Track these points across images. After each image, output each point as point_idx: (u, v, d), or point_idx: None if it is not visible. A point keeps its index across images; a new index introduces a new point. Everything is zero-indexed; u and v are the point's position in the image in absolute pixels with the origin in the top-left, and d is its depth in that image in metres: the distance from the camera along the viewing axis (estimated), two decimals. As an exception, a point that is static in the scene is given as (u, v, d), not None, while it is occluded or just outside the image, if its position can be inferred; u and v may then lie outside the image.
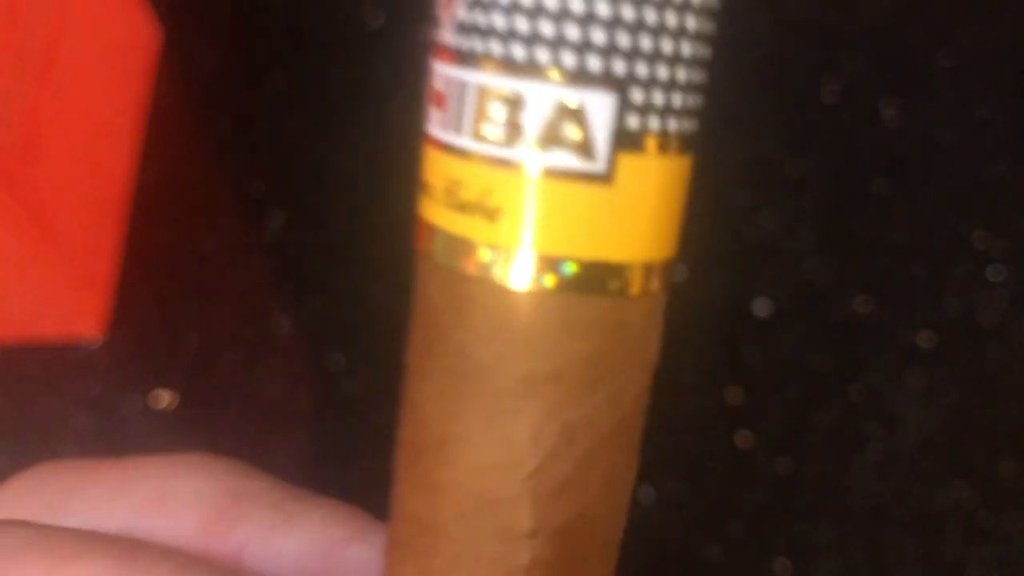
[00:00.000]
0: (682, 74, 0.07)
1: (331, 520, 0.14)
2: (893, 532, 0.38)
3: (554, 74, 0.07)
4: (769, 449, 0.39)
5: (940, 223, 0.43)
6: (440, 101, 0.08)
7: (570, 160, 0.07)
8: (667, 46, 0.07)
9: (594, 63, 0.07)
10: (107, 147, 0.44)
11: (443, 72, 0.08)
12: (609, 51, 0.07)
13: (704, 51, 0.07)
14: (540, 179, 0.07)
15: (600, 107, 0.07)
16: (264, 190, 0.45)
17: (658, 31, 0.07)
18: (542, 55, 0.07)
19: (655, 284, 0.08)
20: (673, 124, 0.07)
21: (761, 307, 0.42)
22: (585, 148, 0.07)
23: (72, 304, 0.40)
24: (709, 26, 0.07)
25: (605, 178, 0.07)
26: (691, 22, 0.07)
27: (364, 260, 0.43)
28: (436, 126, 0.08)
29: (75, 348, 0.42)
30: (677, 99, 0.07)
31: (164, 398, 0.41)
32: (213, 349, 0.42)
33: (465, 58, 0.07)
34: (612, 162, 0.07)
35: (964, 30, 0.47)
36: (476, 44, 0.07)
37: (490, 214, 0.07)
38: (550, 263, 0.07)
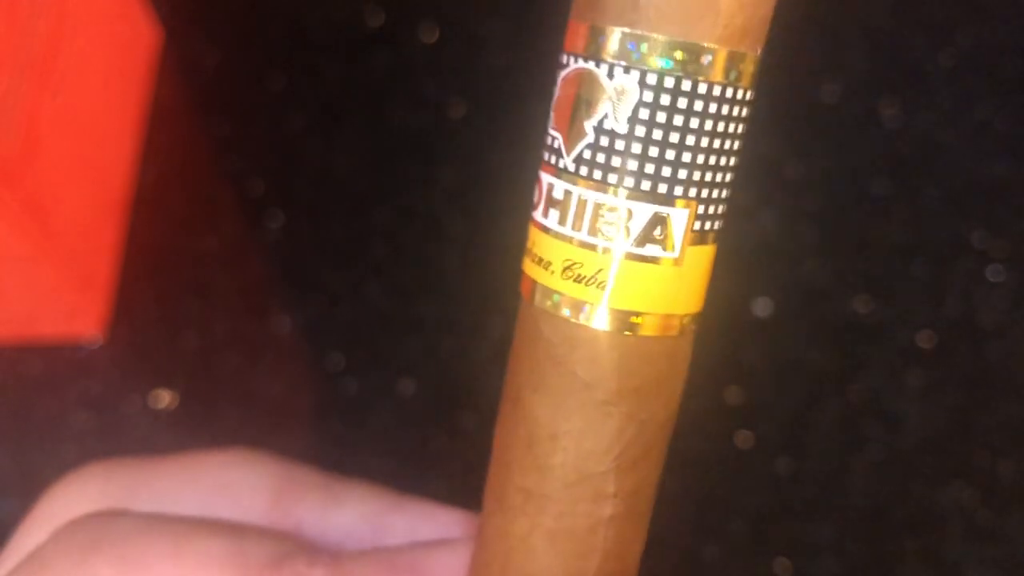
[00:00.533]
0: (725, 194, 0.11)
1: (372, 495, 0.17)
2: (893, 532, 0.38)
3: (653, 197, 0.10)
4: (769, 449, 0.39)
5: (940, 223, 0.43)
6: (557, 206, 0.10)
7: (657, 251, 0.10)
8: (721, 184, 0.11)
9: (679, 190, 0.10)
10: (107, 147, 0.44)
11: (564, 187, 0.10)
12: (689, 184, 0.10)
13: (734, 178, 0.11)
14: (634, 262, 0.10)
15: (680, 217, 0.10)
16: (264, 190, 0.45)
17: (718, 173, 0.11)
18: (646, 184, 0.10)
19: (692, 328, 0.12)
20: (717, 224, 0.11)
21: (761, 307, 0.42)
22: (668, 243, 0.10)
23: (72, 304, 0.40)
24: (737, 165, 0.11)
25: (677, 261, 0.11)
26: (732, 173, 0.11)
27: (364, 260, 0.43)
28: (554, 221, 0.11)
29: (75, 348, 0.42)
30: (721, 209, 0.11)
31: (164, 398, 0.41)
32: (213, 349, 0.42)
33: (587, 181, 0.10)
34: (683, 251, 0.11)
35: (964, 30, 0.47)
36: (597, 173, 0.10)
37: (600, 284, 0.10)
38: (629, 317, 0.11)
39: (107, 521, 0.15)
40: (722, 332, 0.42)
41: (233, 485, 0.17)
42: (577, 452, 0.11)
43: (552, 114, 0.11)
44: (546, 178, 0.11)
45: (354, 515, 0.17)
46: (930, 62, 0.47)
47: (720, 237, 0.11)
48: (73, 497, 0.17)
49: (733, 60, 0.10)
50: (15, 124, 0.36)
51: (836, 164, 0.45)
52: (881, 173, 0.44)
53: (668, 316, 0.11)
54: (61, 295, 0.39)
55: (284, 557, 0.14)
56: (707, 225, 0.11)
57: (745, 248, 0.43)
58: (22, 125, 0.36)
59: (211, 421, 0.41)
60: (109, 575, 0.14)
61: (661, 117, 0.10)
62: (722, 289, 0.42)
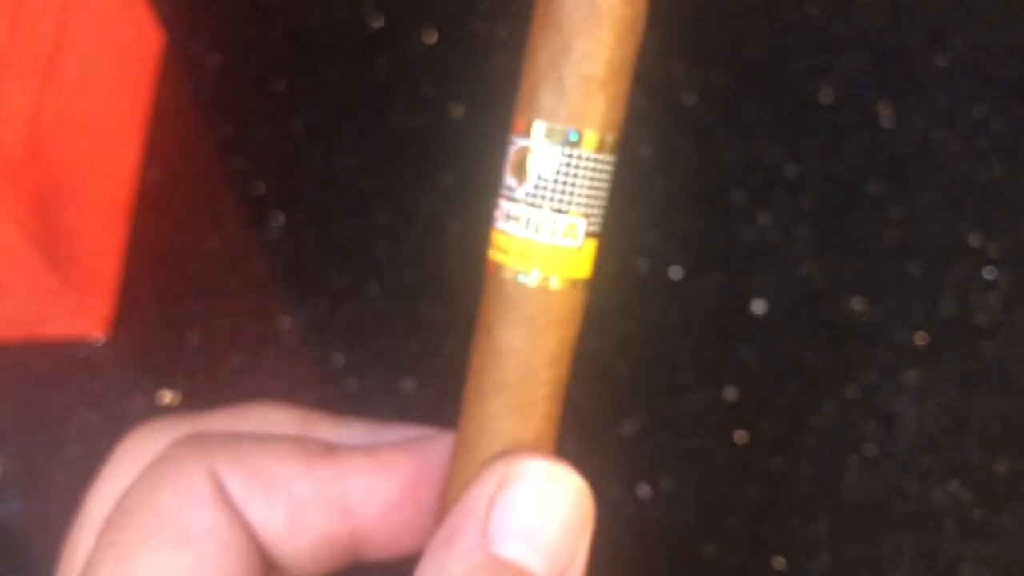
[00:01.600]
0: (602, 210, 0.19)
1: (367, 422, 0.23)
2: (889, 529, 0.38)
3: (572, 213, 0.18)
4: (766, 447, 0.40)
5: (936, 224, 0.44)
6: (512, 220, 0.19)
7: (570, 242, 0.18)
8: (600, 204, 0.19)
9: (580, 209, 0.18)
10: (110, 148, 0.44)
11: (517, 209, 0.19)
12: (586, 205, 0.18)
13: (607, 198, 0.19)
14: (556, 248, 0.18)
15: (581, 223, 0.18)
16: (265, 190, 0.45)
17: (599, 199, 0.19)
18: (563, 206, 0.18)
19: (585, 286, 0.19)
20: (598, 227, 0.19)
21: (758, 307, 0.42)
22: (575, 237, 0.18)
23: (76, 303, 0.41)
24: (608, 194, 0.19)
25: (580, 249, 0.19)
26: (605, 199, 0.19)
27: (365, 260, 0.44)
28: (511, 228, 0.19)
29: (79, 347, 0.42)
30: (601, 219, 0.19)
31: (167, 397, 0.41)
32: (215, 348, 0.42)
33: (531, 206, 0.18)
34: (583, 243, 0.18)
35: (959, 31, 0.47)
36: (536, 200, 0.18)
37: (538, 261, 0.19)
38: (551, 279, 0.19)
39: (200, 437, 0.20)
40: (720, 332, 0.42)
41: (269, 419, 0.22)
42: (527, 357, 0.19)
43: (508, 167, 0.19)
44: (505, 204, 0.19)
45: (359, 434, 0.22)
46: (926, 63, 0.47)
47: (600, 234, 0.19)
48: (153, 436, 0.21)
49: (603, 140, 0.18)
50: (19, 125, 0.36)
51: (833, 165, 0.45)
52: (877, 174, 0.45)
53: (574, 280, 0.19)
54: (65, 295, 0.40)
55: (331, 448, 0.20)
56: (593, 228, 0.18)
57: (742, 249, 0.43)
58: (26, 126, 0.37)
59: (213, 420, 0.41)
60: (224, 463, 0.19)
61: (571, 171, 0.18)
62: (719, 289, 0.43)
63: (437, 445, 0.21)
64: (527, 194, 0.18)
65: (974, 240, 0.43)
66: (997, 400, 0.40)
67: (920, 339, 0.41)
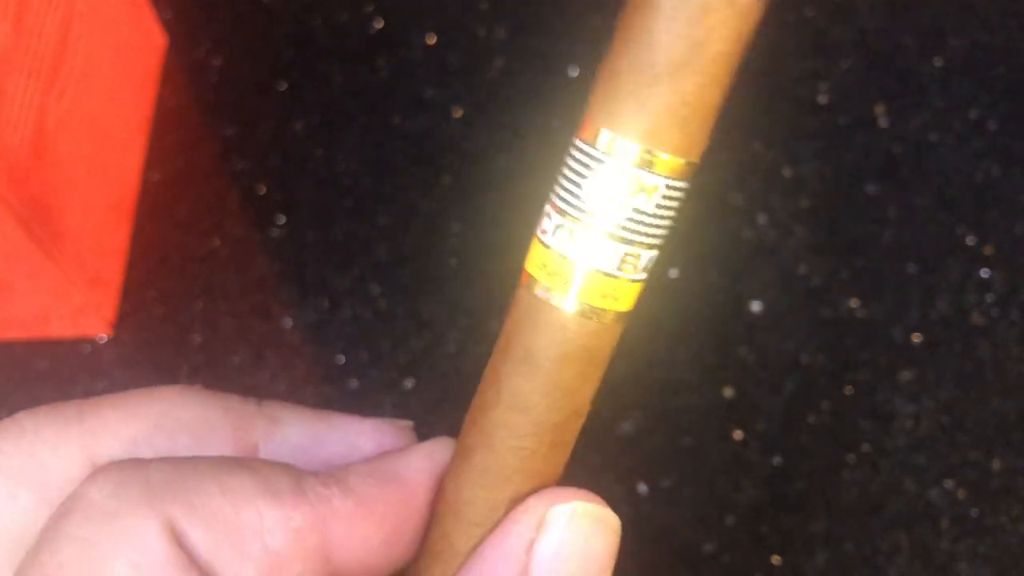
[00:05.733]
0: (663, 242, 0.16)
1: (300, 414, 0.19)
2: (885, 527, 0.38)
3: (639, 244, 0.16)
4: (763, 446, 0.40)
5: (932, 224, 0.44)
6: (564, 236, 0.16)
7: (628, 274, 0.16)
8: (664, 237, 0.16)
9: (644, 239, 0.16)
10: (114, 149, 0.44)
11: (571, 226, 0.16)
12: (650, 236, 0.16)
13: (670, 233, 0.16)
14: (611, 279, 0.16)
15: (645, 256, 0.16)
16: (267, 191, 0.45)
17: (663, 230, 0.16)
18: (626, 234, 0.16)
19: (625, 320, 0.16)
20: (654, 261, 0.16)
21: (756, 306, 0.42)
22: (635, 270, 0.16)
23: (80, 303, 0.41)
24: (673, 225, 0.16)
25: (635, 283, 0.16)
26: (670, 230, 0.16)
27: (365, 260, 0.44)
28: (559, 243, 0.16)
29: (82, 346, 0.42)
30: (659, 253, 0.16)
31: (169, 396, 0.41)
32: (217, 347, 0.42)
33: (591, 228, 0.16)
34: (640, 277, 0.16)
35: (955, 34, 0.47)
36: (593, 222, 0.16)
37: (592, 290, 0.16)
38: (597, 310, 0.16)
39: (142, 466, 0.16)
40: (717, 331, 0.42)
41: (192, 424, 0.18)
42: (555, 385, 0.17)
43: (566, 173, 0.16)
44: (556, 216, 0.16)
45: (294, 435, 0.18)
46: (922, 65, 0.47)
47: (653, 269, 0.16)
48: (42, 448, 0.16)
49: (683, 164, 0.15)
50: (24, 127, 0.36)
51: (829, 165, 0.45)
52: (874, 175, 0.45)
53: (618, 312, 0.16)
54: (69, 294, 0.40)
55: (300, 482, 0.17)
56: (653, 263, 0.16)
57: (740, 249, 0.43)
58: (30, 128, 0.37)
59: (215, 418, 0.41)
60: (181, 514, 0.15)
61: (642, 196, 0.15)
62: (718, 289, 0.43)
63: (417, 467, 0.18)
64: (585, 212, 0.15)
65: (970, 240, 0.43)
66: (992, 399, 0.40)
67: (916, 338, 0.41)
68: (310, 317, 0.43)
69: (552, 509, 0.17)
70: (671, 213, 0.16)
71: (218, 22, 0.49)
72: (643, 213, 0.15)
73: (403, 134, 0.46)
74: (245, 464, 0.17)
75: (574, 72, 0.46)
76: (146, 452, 0.17)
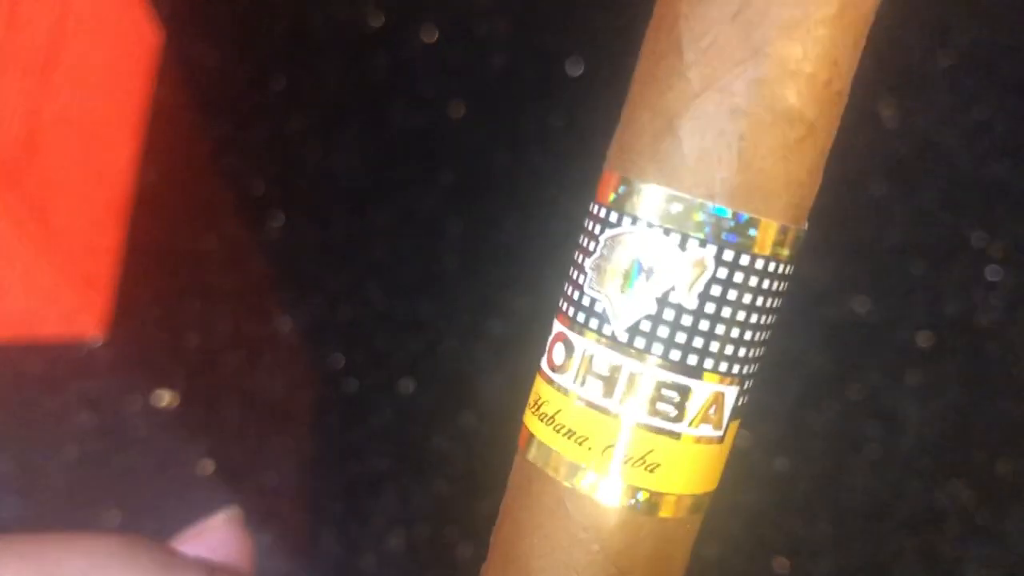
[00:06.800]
0: (756, 371, 0.10)
1: None
2: (891, 531, 0.38)
3: (710, 376, 0.09)
4: (768, 448, 0.40)
5: (938, 223, 0.43)
6: (602, 378, 0.09)
7: (710, 431, 0.10)
8: (758, 359, 0.10)
9: (736, 368, 0.10)
10: (108, 147, 0.44)
11: (612, 358, 0.09)
12: (744, 361, 0.10)
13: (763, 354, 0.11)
14: (693, 444, 0.10)
15: (731, 394, 0.10)
16: (264, 190, 0.45)
17: (759, 349, 0.10)
18: (708, 363, 0.09)
19: (707, 504, 0.11)
20: (748, 396, 0.10)
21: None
22: (719, 423, 0.10)
23: (73, 303, 0.40)
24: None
25: (722, 439, 0.10)
26: (764, 349, 0.10)
27: (364, 260, 0.43)
28: (597, 394, 0.09)
29: (76, 347, 0.42)
30: (751, 384, 0.11)
31: (165, 397, 0.41)
32: (213, 348, 0.42)
33: (635, 353, 0.09)
34: (726, 430, 0.10)
35: (962, 31, 0.47)
36: (656, 347, 0.09)
37: (650, 467, 0.10)
38: (655, 496, 0.10)
39: None
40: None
41: None
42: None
43: (588, 271, 0.09)
44: (578, 341, 0.09)
45: None
46: (928, 62, 0.47)
47: (744, 413, 0.10)
48: None
49: (788, 234, 0.10)
50: (17, 124, 0.36)
51: (835, 164, 0.45)
52: (880, 173, 0.45)
53: (695, 495, 0.10)
54: (62, 295, 0.40)
55: None
56: (744, 399, 0.10)
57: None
58: (23, 125, 0.36)
59: (211, 421, 0.41)
60: None
61: (730, 294, 0.09)
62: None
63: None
64: (630, 330, 0.09)
65: (976, 240, 0.43)
66: (999, 401, 0.40)
67: (922, 339, 0.41)
68: (308, 317, 0.42)
69: None
70: (771, 317, 0.10)
71: (214, 19, 0.49)
72: (726, 322, 0.10)
73: (402, 133, 0.46)
74: None
75: (577, 71, 0.46)
76: None
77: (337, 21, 0.49)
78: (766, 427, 0.40)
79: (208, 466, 0.40)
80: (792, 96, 0.10)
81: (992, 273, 0.42)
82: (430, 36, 0.48)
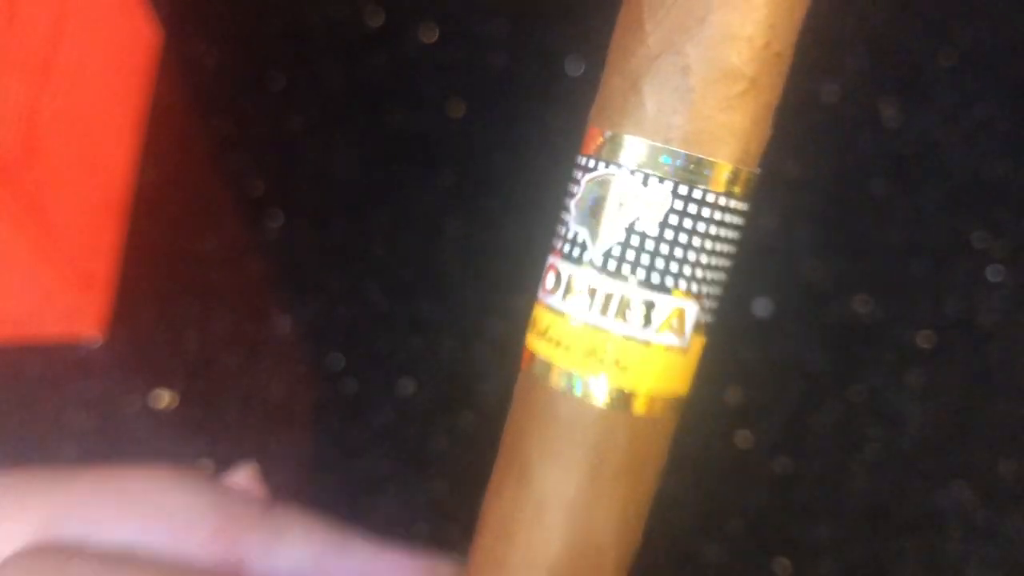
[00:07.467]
0: (720, 292, 0.12)
1: (316, 531, 0.16)
2: (892, 532, 0.38)
3: (674, 292, 0.12)
4: (769, 449, 0.39)
5: (939, 223, 0.43)
6: (579, 295, 0.12)
7: (675, 340, 0.12)
8: (720, 283, 0.12)
9: (694, 287, 0.12)
10: (107, 147, 0.44)
11: (588, 279, 0.12)
12: (701, 281, 0.12)
13: (727, 278, 0.13)
14: (663, 352, 0.12)
15: (691, 309, 0.12)
16: (264, 190, 0.45)
17: (719, 272, 0.12)
18: (669, 281, 0.11)
19: (680, 407, 0.13)
20: (711, 317, 0.12)
21: (761, 307, 0.42)
22: (681, 331, 0.12)
23: (72, 304, 0.40)
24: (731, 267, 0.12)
25: (685, 350, 0.12)
26: (727, 273, 0.12)
27: (364, 260, 0.43)
28: (574, 308, 0.12)
29: (75, 348, 0.42)
30: (716, 304, 0.12)
31: (164, 398, 0.41)
32: (213, 349, 0.42)
33: (614, 276, 0.12)
34: (691, 340, 0.12)
35: (963, 30, 0.47)
36: (624, 268, 0.12)
37: (624, 368, 0.12)
38: (634, 395, 0.12)
39: (61, 562, 0.14)
40: (722, 332, 0.42)
41: (172, 511, 0.16)
42: (582, 517, 0.12)
43: (572, 209, 0.12)
44: (564, 266, 0.12)
45: (299, 555, 0.16)
46: (929, 62, 0.47)
47: (712, 325, 0.13)
48: (11, 525, 0.16)
49: (739, 175, 0.12)
50: (15, 123, 0.36)
51: (836, 164, 0.45)
52: (880, 173, 0.44)
53: (667, 399, 0.12)
54: (61, 295, 0.40)
55: None
56: (707, 316, 0.12)
57: (744, 248, 0.43)
58: (22, 124, 0.36)
59: (211, 421, 0.41)
60: None
61: (685, 224, 0.12)
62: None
63: None
64: (605, 255, 0.12)
65: (978, 240, 0.43)
66: (1002, 401, 0.40)
67: (924, 340, 0.41)
68: (308, 317, 0.42)
69: None
70: (728, 247, 0.12)
71: (214, 17, 0.49)
72: (687, 248, 0.12)
73: (402, 132, 0.46)
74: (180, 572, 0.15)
75: (577, 70, 0.46)
76: (108, 537, 0.15)
77: (337, 21, 0.49)
78: (766, 427, 0.40)
79: (207, 466, 0.40)
80: (734, 56, 0.12)
81: (993, 273, 0.42)
82: (430, 36, 0.48)
